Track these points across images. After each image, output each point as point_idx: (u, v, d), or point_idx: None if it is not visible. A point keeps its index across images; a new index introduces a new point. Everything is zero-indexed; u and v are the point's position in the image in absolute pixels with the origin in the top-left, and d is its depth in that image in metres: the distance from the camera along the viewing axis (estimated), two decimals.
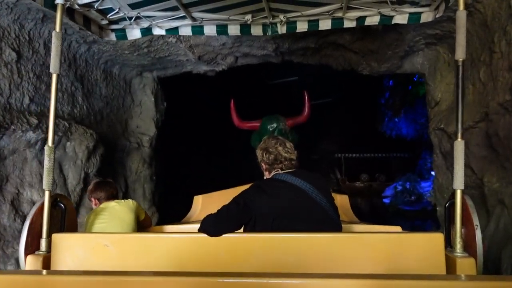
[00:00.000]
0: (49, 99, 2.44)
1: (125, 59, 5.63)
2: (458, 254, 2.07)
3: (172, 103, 7.51)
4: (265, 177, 2.48)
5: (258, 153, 2.47)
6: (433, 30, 4.97)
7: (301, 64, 6.50)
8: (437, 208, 5.82)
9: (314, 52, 6.04)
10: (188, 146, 13.34)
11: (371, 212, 13.89)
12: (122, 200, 3.25)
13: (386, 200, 16.96)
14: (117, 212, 3.06)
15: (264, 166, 2.45)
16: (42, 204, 2.33)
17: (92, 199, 3.22)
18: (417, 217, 12.74)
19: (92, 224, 2.97)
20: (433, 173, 15.16)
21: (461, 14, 2.20)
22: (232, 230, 2.17)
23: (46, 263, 2.24)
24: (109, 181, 3.40)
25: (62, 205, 2.53)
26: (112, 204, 3.13)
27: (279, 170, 2.37)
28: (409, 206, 14.54)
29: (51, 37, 2.41)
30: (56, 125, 4.05)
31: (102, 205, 3.13)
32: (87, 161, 4.89)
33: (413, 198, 15.47)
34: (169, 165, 8.63)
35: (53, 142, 2.40)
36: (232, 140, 16.88)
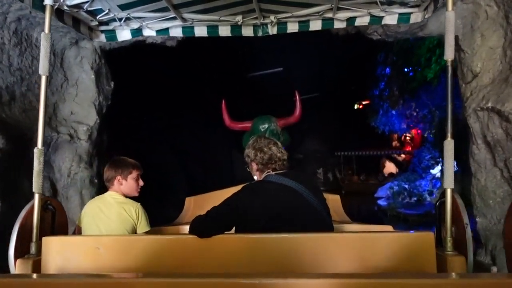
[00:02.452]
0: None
1: None
2: (449, 252, 2.09)
3: (123, 84, 5.83)
4: (255, 177, 2.46)
5: (251, 153, 2.43)
6: None
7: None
8: (477, 219, 4.28)
9: None
10: (145, 138, 11.30)
11: (368, 218, 12.10)
12: (129, 201, 2.77)
13: (382, 203, 15.13)
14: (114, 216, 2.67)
15: (255, 166, 2.42)
16: (32, 207, 2.31)
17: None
18: (422, 222, 11.14)
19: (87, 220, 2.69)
20: (433, 171, 14.29)
21: (450, 15, 2.22)
22: (221, 232, 2.16)
23: (36, 266, 2.22)
24: (112, 162, 2.85)
25: (52, 208, 2.51)
26: (112, 202, 2.71)
27: (271, 171, 2.36)
28: (410, 210, 12.79)
29: None
30: None
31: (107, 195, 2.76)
32: None
33: (413, 200, 13.78)
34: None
35: (43, 144, 2.39)
36: (200, 134, 15.68)
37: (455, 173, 2.18)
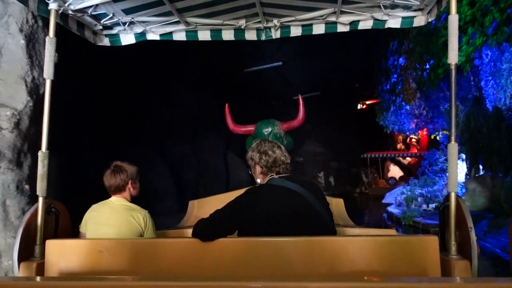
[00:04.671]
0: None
1: None
2: (453, 256, 2.09)
3: (72, 56, 4.47)
4: (258, 180, 2.47)
5: (255, 156, 2.42)
6: None
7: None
8: None
9: None
10: (96, 129, 9.65)
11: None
12: (137, 207, 2.74)
13: (393, 210, 13.25)
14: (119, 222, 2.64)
15: (259, 169, 2.42)
16: (36, 210, 2.33)
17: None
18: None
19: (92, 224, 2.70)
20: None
21: (453, 18, 2.23)
22: (224, 235, 2.16)
23: (40, 269, 2.23)
24: (119, 168, 2.78)
25: (56, 211, 2.52)
26: (119, 208, 2.69)
27: (274, 174, 2.36)
28: (430, 219, 10.96)
29: None
30: None
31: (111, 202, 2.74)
32: None
33: (431, 207, 12.21)
34: (61, 163, 5.10)
35: (47, 148, 2.40)
36: (191, 135, 14.57)
37: None
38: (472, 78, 10.74)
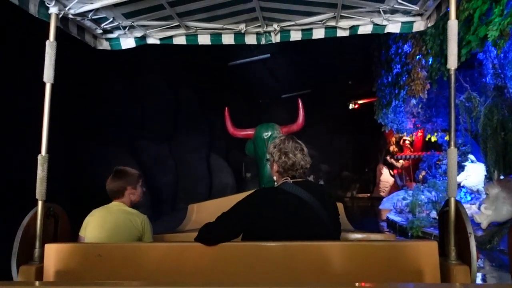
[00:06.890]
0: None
1: None
2: (452, 262, 2.09)
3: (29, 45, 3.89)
4: (274, 177, 2.43)
5: (275, 154, 2.35)
6: None
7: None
8: None
9: None
10: (58, 126, 8.14)
11: None
12: (136, 212, 2.78)
13: (395, 218, 11.86)
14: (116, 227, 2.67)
15: (276, 168, 2.36)
16: (35, 214, 2.33)
17: None
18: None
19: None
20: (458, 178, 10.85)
21: (453, 24, 2.24)
22: (230, 239, 2.16)
23: (39, 273, 2.23)
24: (118, 173, 2.85)
25: (55, 215, 2.52)
26: (117, 213, 2.73)
27: (289, 178, 2.31)
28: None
29: None
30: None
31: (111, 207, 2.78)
32: None
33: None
34: (19, 162, 5.14)
35: (47, 152, 2.40)
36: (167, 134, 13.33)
37: None
38: (491, 66, 9.43)
